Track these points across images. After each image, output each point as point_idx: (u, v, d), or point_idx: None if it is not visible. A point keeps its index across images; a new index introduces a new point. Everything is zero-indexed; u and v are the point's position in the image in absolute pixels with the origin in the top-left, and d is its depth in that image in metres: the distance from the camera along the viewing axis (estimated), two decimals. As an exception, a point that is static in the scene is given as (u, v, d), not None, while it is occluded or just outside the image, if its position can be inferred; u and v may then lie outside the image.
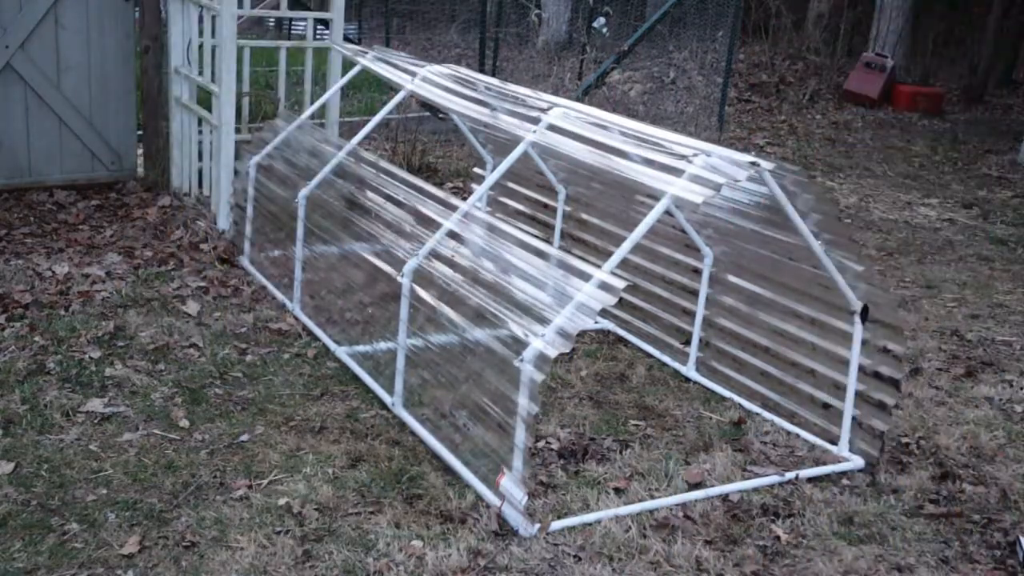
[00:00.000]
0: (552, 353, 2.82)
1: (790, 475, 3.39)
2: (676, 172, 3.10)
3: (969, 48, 13.25)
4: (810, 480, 3.39)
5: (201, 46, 5.47)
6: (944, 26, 13.91)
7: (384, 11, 13.54)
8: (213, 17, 5.26)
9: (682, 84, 10.20)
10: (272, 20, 11.31)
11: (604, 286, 2.91)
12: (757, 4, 12.97)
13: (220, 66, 5.07)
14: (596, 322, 3.76)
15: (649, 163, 3.21)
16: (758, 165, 3.06)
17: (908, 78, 12.58)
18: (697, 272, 4.18)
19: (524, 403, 2.86)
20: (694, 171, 3.05)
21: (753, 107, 11.30)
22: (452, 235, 3.52)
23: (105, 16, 5.73)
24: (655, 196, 3.10)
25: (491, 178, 3.60)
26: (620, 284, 2.88)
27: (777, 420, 3.79)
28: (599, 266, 3.01)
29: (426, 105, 3.43)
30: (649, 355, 4.35)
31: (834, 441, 3.61)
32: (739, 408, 3.90)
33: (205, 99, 5.53)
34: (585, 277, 2.97)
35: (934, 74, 13.28)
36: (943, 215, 7.48)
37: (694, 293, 4.23)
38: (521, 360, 2.86)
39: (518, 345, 2.95)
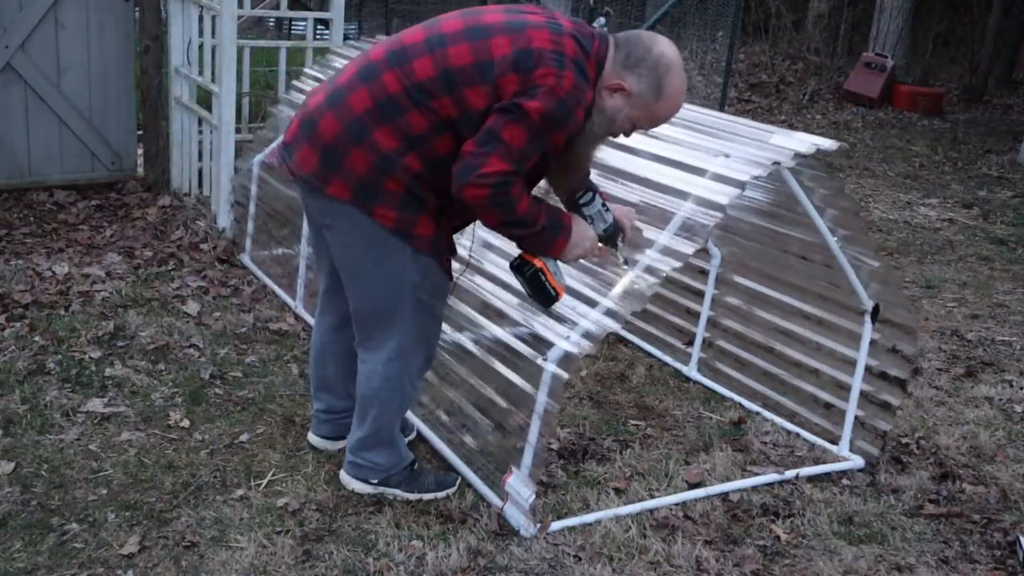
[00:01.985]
0: (579, 353, 2.82)
1: (790, 474, 3.39)
2: (699, 171, 3.09)
3: (969, 48, 13.25)
4: (810, 480, 3.40)
5: (201, 46, 5.47)
6: (944, 26, 13.92)
7: (384, 11, 13.55)
8: (213, 17, 5.26)
9: (682, 84, 10.20)
10: (272, 20, 11.30)
11: (631, 290, 2.91)
12: (757, 4, 12.98)
13: (220, 66, 5.07)
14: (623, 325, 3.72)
15: (670, 162, 3.21)
16: (778, 164, 3.05)
17: (908, 78, 12.59)
18: (703, 272, 4.18)
19: (545, 402, 2.86)
20: (716, 170, 3.04)
21: (753, 107, 11.30)
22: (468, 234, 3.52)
23: (105, 16, 5.73)
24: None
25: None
26: (648, 290, 2.87)
27: (778, 420, 3.79)
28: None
29: None
30: (649, 355, 4.35)
31: (835, 441, 3.61)
32: (739, 408, 3.90)
33: (205, 99, 5.53)
34: (612, 281, 2.97)
35: (934, 74, 13.28)
36: (943, 215, 7.48)
37: (697, 293, 4.23)
38: (545, 359, 2.86)
39: (540, 344, 2.94)
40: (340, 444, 3.30)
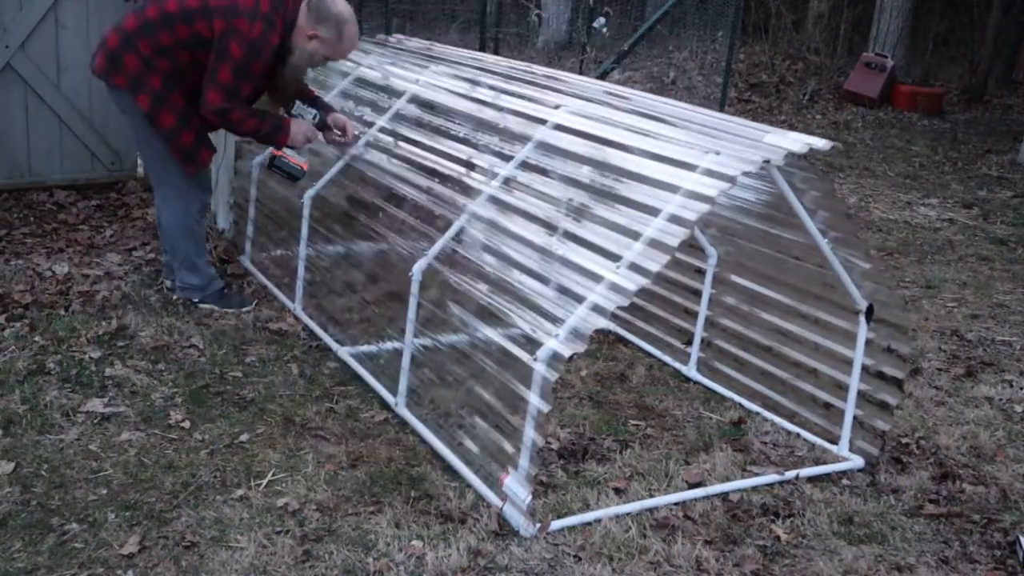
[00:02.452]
0: (566, 352, 2.83)
1: (790, 474, 3.39)
2: (689, 167, 3.10)
3: (969, 48, 13.25)
4: (810, 480, 3.40)
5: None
6: (944, 26, 13.91)
7: (384, 11, 13.54)
8: (213, 17, 5.25)
9: (682, 84, 10.21)
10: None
11: (617, 286, 2.91)
12: (757, 4, 12.98)
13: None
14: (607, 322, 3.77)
15: (661, 158, 3.21)
16: (768, 162, 3.05)
17: (908, 78, 12.58)
18: (700, 272, 4.18)
19: (536, 401, 2.86)
20: (707, 165, 3.05)
21: (753, 107, 11.30)
22: (461, 235, 3.54)
23: (105, 16, 5.72)
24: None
25: (497, 179, 3.61)
26: (632, 286, 2.88)
27: (777, 420, 3.79)
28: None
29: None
30: (649, 355, 4.36)
31: (834, 441, 3.61)
32: (739, 408, 3.90)
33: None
34: (598, 277, 2.97)
35: (934, 74, 13.28)
36: (943, 215, 7.48)
37: (696, 293, 4.23)
38: (535, 359, 2.86)
39: (531, 344, 2.95)
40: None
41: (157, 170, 4.32)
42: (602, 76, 8.71)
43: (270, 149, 4.26)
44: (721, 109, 9.11)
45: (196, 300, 4.38)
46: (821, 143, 3.04)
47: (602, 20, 10.15)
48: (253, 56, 3.94)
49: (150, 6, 4.07)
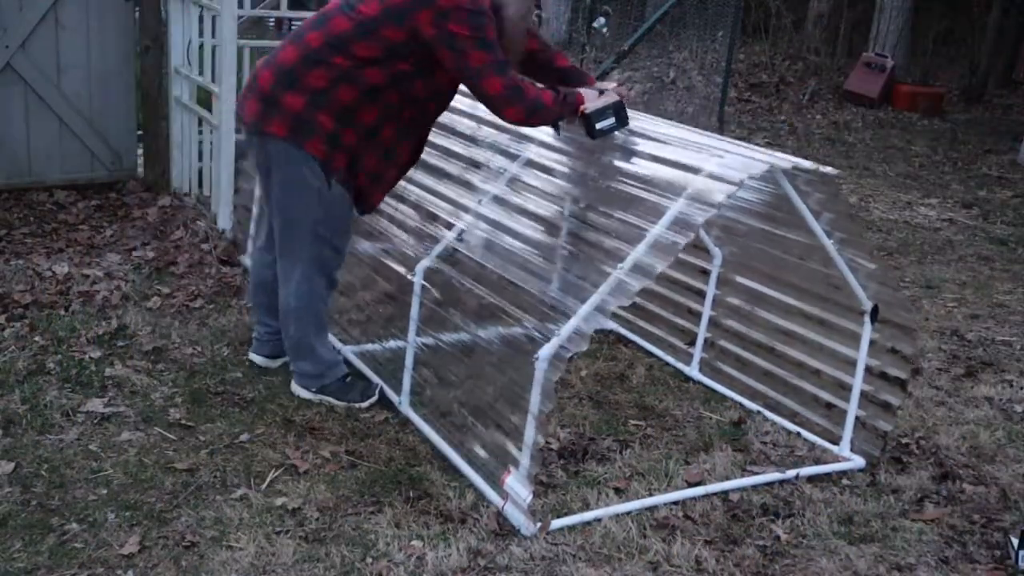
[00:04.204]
0: (568, 352, 2.83)
1: (790, 473, 3.39)
2: (694, 170, 3.10)
3: (969, 48, 13.25)
4: (810, 480, 3.40)
5: (201, 46, 5.47)
6: (944, 26, 13.91)
7: (384, 11, 13.50)
8: (213, 17, 5.26)
9: (682, 84, 10.20)
10: (272, 20, 11.29)
11: (619, 287, 2.91)
12: (757, 4, 12.97)
13: (220, 66, 5.07)
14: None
15: (666, 161, 3.22)
16: (772, 166, 3.06)
17: (908, 78, 12.58)
18: (703, 272, 4.18)
19: (538, 401, 2.86)
20: (712, 169, 3.05)
21: (753, 107, 11.30)
22: (464, 234, 3.54)
23: (105, 16, 5.73)
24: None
25: (502, 179, 3.61)
26: (635, 286, 2.88)
27: (778, 420, 3.79)
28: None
29: None
30: (649, 355, 4.35)
31: (835, 441, 3.61)
32: (739, 408, 3.90)
33: (205, 99, 5.53)
34: (600, 277, 2.97)
35: (934, 74, 13.28)
36: (943, 215, 7.48)
37: (698, 293, 4.23)
38: (536, 358, 2.86)
39: (533, 344, 2.95)
40: (279, 362, 3.87)
41: (300, 238, 3.49)
42: (602, 76, 8.71)
43: (577, 114, 3.43)
44: (721, 109, 9.11)
45: (313, 390, 3.65)
46: (830, 171, 3.09)
47: (602, 20, 10.14)
48: (480, 21, 3.20)
49: (309, 31, 3.35)
